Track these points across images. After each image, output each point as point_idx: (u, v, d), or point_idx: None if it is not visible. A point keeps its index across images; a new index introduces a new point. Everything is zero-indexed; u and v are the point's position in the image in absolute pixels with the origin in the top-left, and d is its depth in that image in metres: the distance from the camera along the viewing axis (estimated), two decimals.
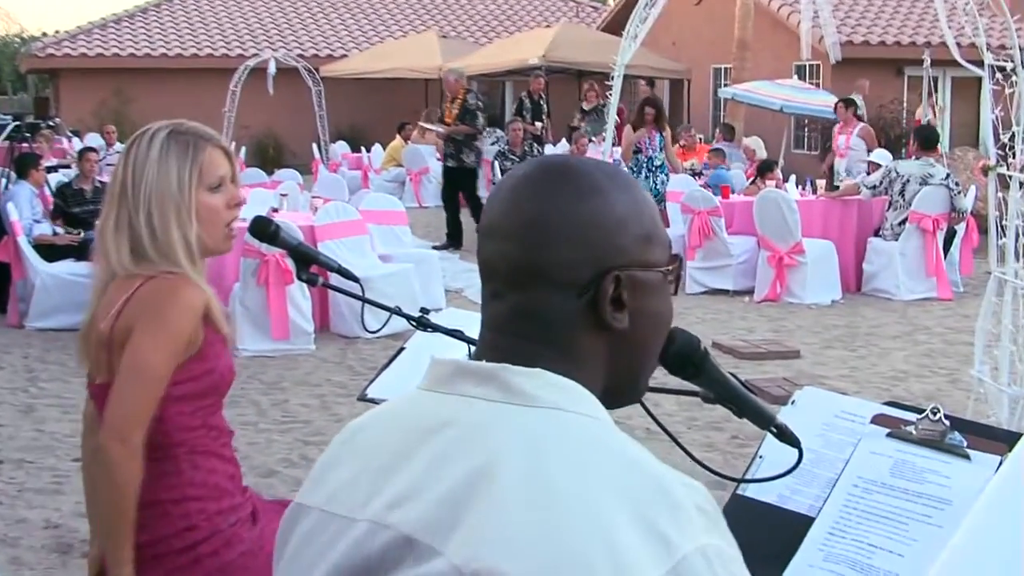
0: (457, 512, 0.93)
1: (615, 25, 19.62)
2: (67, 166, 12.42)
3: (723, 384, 1.44)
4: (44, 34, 30.27)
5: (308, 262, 2.28)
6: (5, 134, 10.56)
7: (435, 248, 10.53)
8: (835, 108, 12.44)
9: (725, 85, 17.61)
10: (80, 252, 7.98)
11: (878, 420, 1.64)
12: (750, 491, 1.67)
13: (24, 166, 8.86)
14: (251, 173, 12.91)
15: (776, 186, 10.04)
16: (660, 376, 1.38)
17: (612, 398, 1.07)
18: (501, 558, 0.89)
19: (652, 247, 1.06)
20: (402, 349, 2.59)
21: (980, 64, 4.97)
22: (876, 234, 9.37)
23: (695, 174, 12.02)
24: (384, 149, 17.30)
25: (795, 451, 1.47)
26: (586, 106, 14.41)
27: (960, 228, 9.39)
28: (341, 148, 18.30)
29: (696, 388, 1.47)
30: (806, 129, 17.74)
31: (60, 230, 8.50)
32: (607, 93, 9.18)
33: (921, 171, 9.02)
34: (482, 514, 0.92)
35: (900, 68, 17.40)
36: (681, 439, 1.49)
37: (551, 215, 1.02)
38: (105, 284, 2.11)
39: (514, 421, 0.97)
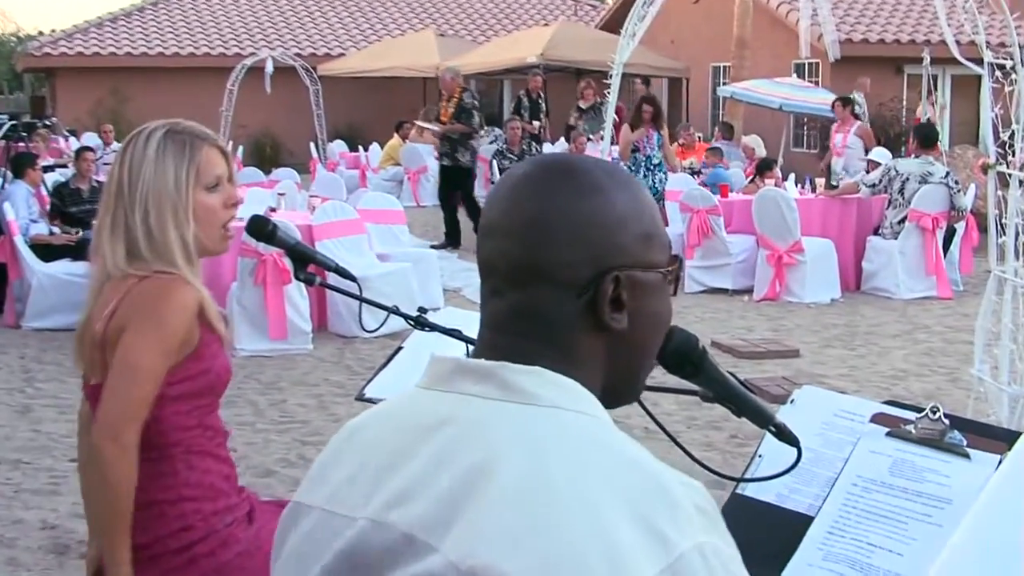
0: (455, 509, 0.93)
1: (613, 23, 19.62)
2: (63, 165, 12.41)
3: (722, 383, 1.44)
4: (40, 33, 30.27)
5: (306, 261, 2.27)
6: (1, 133, 10.55)
7: (433, 247, 10.52)
8: (832, 106, 12.43)
9: (724, 83, 17.61)
10: (77, 252, 7.97)
11: (877, 419, 1.64)
12: (749, 490, 1.66)
13: (20, 166, 8.85)
14: (248, 172, 12.91)
15: (775, 185, 10.03)
16: (659, 375, 1.37)
17: (610, 397, 1.06)
18: (498, 555, 0.89)
19: (652, 247, 1.06)
20: (400, 348, 2.58)
21: (980, 62, 4.96)
22: (875, 233, 9.37)
23: (694, 173, 12.02)
24: (382, 148, 17.30)
25: (794, 450, 1.46)
26: (583, 104, 14.39)
27: (960, 226, 9.39)
28: (339, 147, 18.30)
29: (695, 387, 1.47)
30: (805, 127, 17.74)
31: (57, 230, 8.49)
32: (605, 91, 9.17)
33: (920, 169, 9.02)
34: (479, 511, 0.92)
35: (899, 66, 17.40)
36: (680, 438, 1.48)
37: (551, 214, 1.02)
38: (101, 284, 2.11)
39: (513, 419, 0.97)
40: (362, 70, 20.33)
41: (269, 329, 6.93)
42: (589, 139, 13.28)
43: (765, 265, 8.92)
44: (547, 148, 14.40)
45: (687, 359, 1.38)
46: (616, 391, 1.08)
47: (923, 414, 1.59)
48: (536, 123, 14.00)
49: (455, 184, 11.58)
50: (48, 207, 8.91)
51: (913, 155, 9.55)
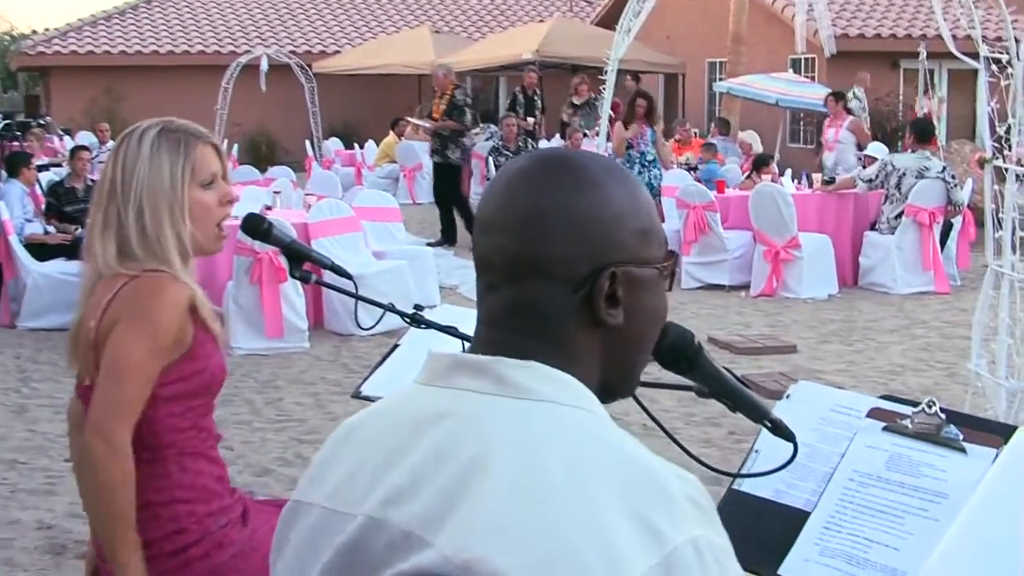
0: (450, 504, 0.93)
1: (609, 19, 19.60)
2: (58, 165, 12.39)
3: (717, 378, 1.43)
4: (34, 32, 30.21)
5: (301, 259, 2.27)
6: None
7: (429, 245, 10.51)
8: (825, 101, 12.43)
9: (720, 79, 17.61)
10: (71, 251, 7.95)
11: (874, 414, 1.63)
12: (746, 486, 1.66)
13: (15, 165, 8.83)
14: (244, 171, 12.89)
15: (772, 180, 10.03)
16: (656, 371, 1.37)
17: (606, 392, 1.07)
18: (492, 549, 0.89)
19: (649, 243, 1.06)
20: (396, 346, 2.58)
21: (976, 56, 4.96)
22: (872, 228, 9.37)
23: (691, 168, 12.02)
24: (377, 145, 17.28)
25: (790, 446, 1.46)
26: (577, 100, 14.36)
27: (957, 221, 9.40)
28: (334, 145, 18.28)
29: (691, 383, 1.46)
30: (802, 123, 17.75)
31: (52, 229, 8.48)
32: (600, 87, 9.16)
33: (917, 164, 9.02)
34: (474, 505, 0.92)
35: (896, 61, 17.40)
36: (678, 435, 1.48)
37: (548, 209, 1.02)
38: (93, 284, 2.10)
39: (508, 413, 0.98)
40: (357, 67, 20.30)
41: (265, 327, 6.92)
42: (585, 135, 13.27)
43: (762, 261, 8.92)
44: (543, 144, 14.38)
45: (683, 355, 1.38)
46: (612, 386, 1.08)
47: (919, 409, 1.59)
48: (531, 119, 13.99)
49: (445, 181, 11.59)
50: (43, 206, 8.90)
51: (910, 150, 9.54)
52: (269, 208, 8.03)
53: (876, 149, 10.85)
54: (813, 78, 16.97)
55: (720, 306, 8.57)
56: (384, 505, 0.98)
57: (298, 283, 5.33)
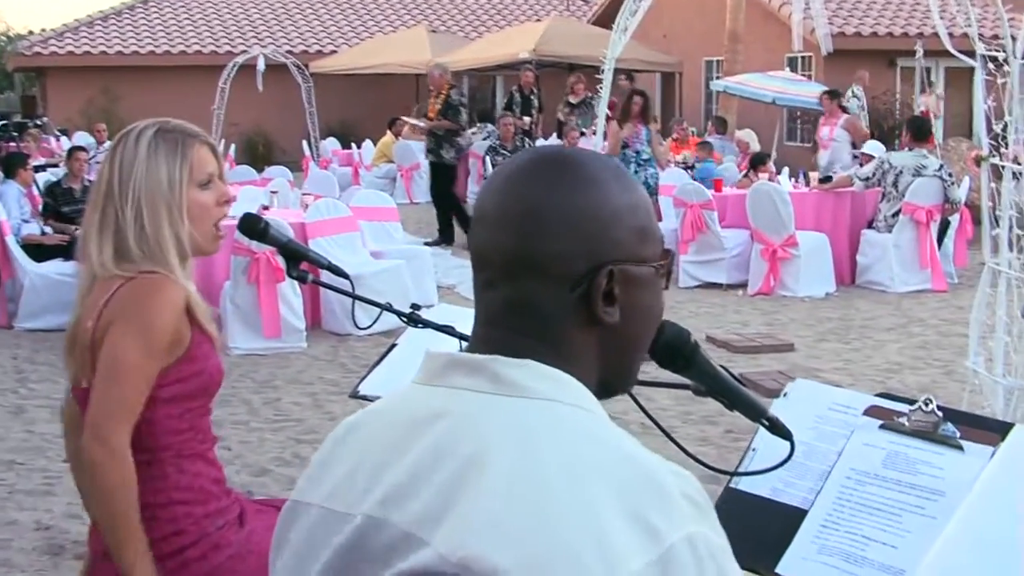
0: (447, 502, 0.93)
1: (606, 18, 19.60)
2: (55, 165, 12.39)
3: (714, 377, 1.44)
4: (30, 32, 30.17)
5: (298, 259, 2.27)
6: None
7: (427, 244, 10.51)
8: (820, 99, 12.41)
9: (717, 78, 17.61)
10: (68, 252, 7.95)
11: (871, 412, 1.63)
12: (743, 484, 1.66)
13: (11, 166, 8.83)
14: (241, 170, 12.87)
15: (769, 179, 10.03)
16: (653, 370, 1.37)
17: (602, 390, 1.07)
18: (488, 547, 0.89)
19: (646, 241, 1.06)
20: (394, 346, 2.58)
21: (972, 54, 4.96)
22: (870, 226, 9.37)
23: (688, 167, 12.01)
24: (375, 145, 17.27)
25: (788, 444, 1.46)
26: (573, 99, 14.35)
27: (954, 219, 9.40)
28: (331, 144, 18.27)
29: (688, 381, 1.47)
30: (799, 121, 17.76)
31: (49, 229, 8.47)
32: (596, 86, 9.16)
33: (914, 162, 9.02)
34: (470, 503, 0.92)
35: (892, 59, 17.41)
36: (675, 433, 1.48)
37: (547, 206, 1.02)
38: (89, 285, 2.09)
39: (504, 412, 0.98)
40: (354, 67, 20.29)
41: (263, 327, 6.91)
42: (582, 134, 13.27)
43: (759, 259, 8.92)
44: (540, 143, 14.38)
45: (679, 353, 1.38)
46: (608, 384, 1.08)
47: (916, 406, 1.59)
48: (527, 119, 13.99)
49: (440, 180, 11.60)
50: (40, 207, 8.89)
51: (907, 148, 9.55)
52: (266, 208, 8.02)
53: (873, 147, 10.85)
54: (810, 76, 16.98)
55: (718, 305, 8.57)
56: (382, 505, 0.98)
57: (295, 283, 5.33)
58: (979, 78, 4.98)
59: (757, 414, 1.48)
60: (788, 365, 6.58)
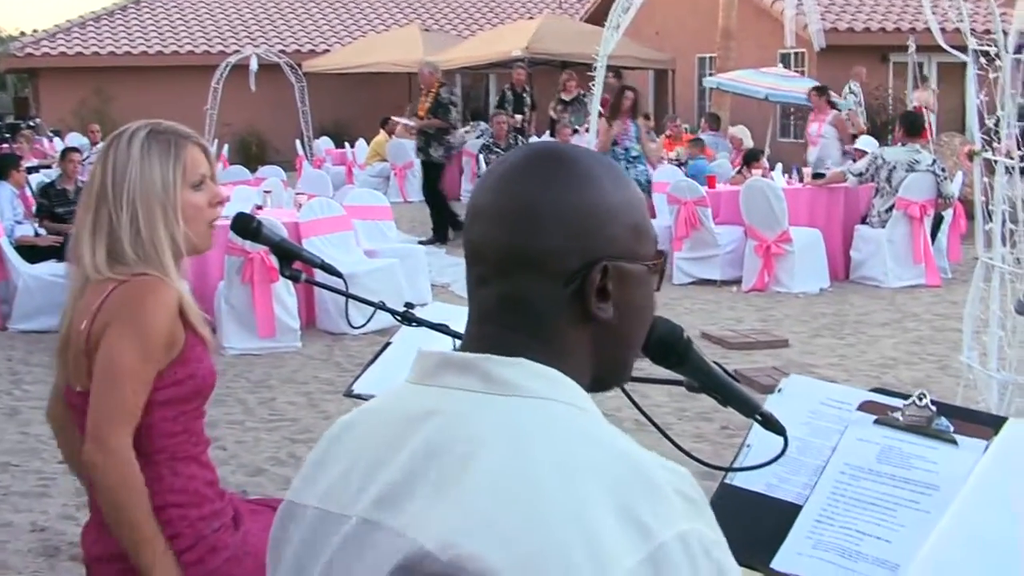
0: (440, 502, 0.93)
1: (599, 16, 19.59)
2: (48, 166, 12.36)
3: (707, 373, 1.44)
4: (22, 33, 30.01)
5: (291, 258, 2.26)
6: None
7: (421, 243, 10.51)
8: (808, 95, 12.40)
9: (710, 74, 17.62)
10: (62, 253, 7.94)
11: (865, 407, 1.64)
12: (738, 480, 1.66)
13: (4, 167, 8.81)
14: (234, 170, 12.85)
15: (762, 175, 10.04)
16: (647, 366, 1.37)
17: (595, 385, 1.07)
18: (480, 545, 0.89)
19: (640, 239, 1.06)
20: (388, 344, 2.58)
21: (964, 49, 4.97)
22: (863, 221, 9.39)
23: (681, 164, 12.01)
24: (368, 144, 17.25)
25: (781, 439, 1.46)
26: (566, 97, 14.35)
27: (947, 214, 9.41)
28: (325, 144, 18.25)
29: (681, 377, 1.47)
30: (792, 118, 17.77)
31: (43, 231, 8.46)
32: (589, 84, 9.15)
33: (907, 157, 9.04)
34: (463, 503, 0.92)
35: (885, 55, 17.43)
36: (671, 430, 1.48)
37: (543, 202, 1.02)
38: (81, 288, 2.08)
39: (496, 410, 0.98)
40: (347, 66, 20.26)
41: (257, 327, 6.91)
42: (575, 131, 13.27)
43: (753, 255, 8.93)
44: (533, 141, 14.37)
45: (672, 349, 1.38)
46: (602, 380, 1.08)
47: (910, 401, 1.59)
48: (519, 116, 13.99)
49: (428, 178, 11.61)
50: (35, 208, 8.88)
51: (900, 143, 9.56)
52: (260, 208, 8.01)
53: (866, 143, 10.86)
54: (803, 72, 16.99)
55: (712, 301, 8.57)
56: (376, 505, 0.98)
57: (290, 283, 5.31)
58: (971, 73, 4.99)
59: (750, 410, 1.48)
60: (782, 361, 6.59)
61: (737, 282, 9.05)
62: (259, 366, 6.66)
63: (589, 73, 9.06)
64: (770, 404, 1.62)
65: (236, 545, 2.09)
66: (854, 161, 10.18)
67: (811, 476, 1.60)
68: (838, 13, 18.15)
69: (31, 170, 11.10)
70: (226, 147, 16.33)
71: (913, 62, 13.64)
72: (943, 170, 9.15)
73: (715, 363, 1.47)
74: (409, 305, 2.24)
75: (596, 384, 1.06)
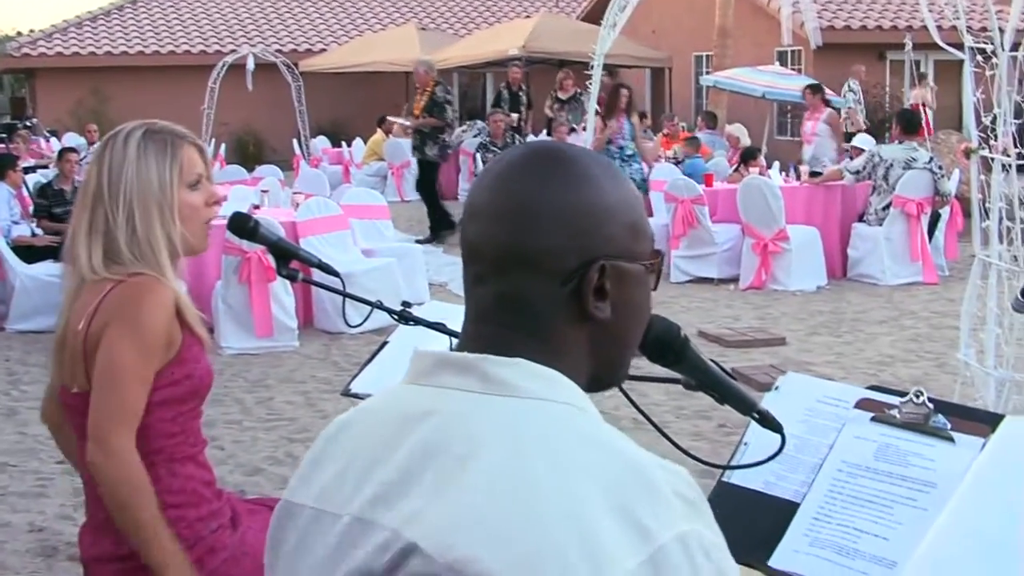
0: (436, 502, 0.93)
1: (595, 14, 19.59)
2: (45, 167, 12.35)
3: (704, 371, 1.44)
4: (19, 33, 30.03)
5: (288, 257, 2.26)
6: None
7: (418, 242, 10.51)
8: (803, 94, 12.39)
9: (707, 73, 17.63)
10: (59, 253, 7.92)
11: (862, 404, 1.64)
12: (735, 478, 1.66)
13: (1, 168, 8.79)
14: (231, 170, 12.84)
15: (760, 173, 10.04)
16: (644, 365, 1.37)
17: (593, 384, 1.07)
18: (477, 547, 0.89)
19: (638, 238, 1.06)
20: (385, 343, 2.58)
21: (961, 47, 4.97)
22: (860, 219, 9.39)
23: (678, 162, 12.02)
24: (365, 143, 17.25)
25: (779, 437, 1.46)
26: (562, 95, 14.33)
27: (944, 212, 9.42)
28: (322, 143, 18.24)
29: (678, 375, 1.47)
30: (789, 116, 17.78)
31: (40, 231, 8.45)
32: (586, 82, 9.15)
33: (904, 155, 9.04)
34: (459, 504, 0.92)
35: (882, 52, 17.44)
36: (668, 428, 1.48)
37: (540, 201, 1.02)
38: (76, 289, 2.08)
39: (494, 411, 0.97)
40: (344, 65, 20.25)
41: (255, 327, 6.90)
42: (573, 130, 13.27)
43: (750, 254, 8.94)
44: (530, 140, 14.37)
45: (669, 348, 1.38)
46: (599, 379, 1.08)
47: (907, 399, 1.59)
48: (515, 115, 13.98)
49: (423, 177, 11.60)
50: (32, 208, 8.87)
51: (897, 141, 9.57)
52: (257, 207, 8.01)
53: (863, 140, 10.86)
54: (799, 70, 16.99)
55: (709, 299, 8.58)
56: (371, 505, 0.97)
57: (287, 282, 5.32)
58: (968, 71, 4.99)
59: (747, 407, 1.48)
60: (780, 359, 6.59)
61: (734, 280, 9.05)
62: (256, 366, 6.66)
63: (586, 72, 9.05)
64: (767, 402, 1.62)
65: (234, 545, 2.09)
66: (851, 159, 10.18)
67: (808, 474, 1.60)
68: (835, 11, 18.16)
69: (28, 170, 11.08)
70: (223, 147, 16.31)
71: (910, 60, 13.64)
72: (940, 168, 9.16)
73: (712, 361, 1.47)
74: (406, 304, 2.24)
75: (594, 383, 1.06)
